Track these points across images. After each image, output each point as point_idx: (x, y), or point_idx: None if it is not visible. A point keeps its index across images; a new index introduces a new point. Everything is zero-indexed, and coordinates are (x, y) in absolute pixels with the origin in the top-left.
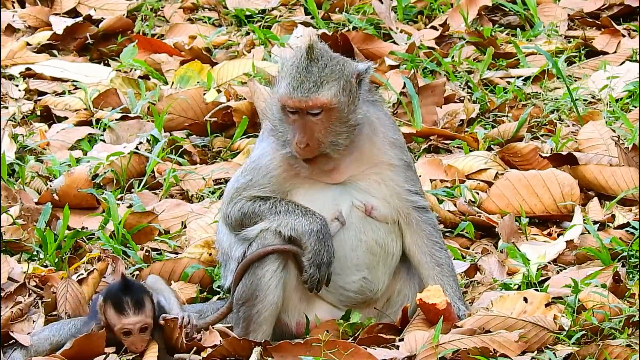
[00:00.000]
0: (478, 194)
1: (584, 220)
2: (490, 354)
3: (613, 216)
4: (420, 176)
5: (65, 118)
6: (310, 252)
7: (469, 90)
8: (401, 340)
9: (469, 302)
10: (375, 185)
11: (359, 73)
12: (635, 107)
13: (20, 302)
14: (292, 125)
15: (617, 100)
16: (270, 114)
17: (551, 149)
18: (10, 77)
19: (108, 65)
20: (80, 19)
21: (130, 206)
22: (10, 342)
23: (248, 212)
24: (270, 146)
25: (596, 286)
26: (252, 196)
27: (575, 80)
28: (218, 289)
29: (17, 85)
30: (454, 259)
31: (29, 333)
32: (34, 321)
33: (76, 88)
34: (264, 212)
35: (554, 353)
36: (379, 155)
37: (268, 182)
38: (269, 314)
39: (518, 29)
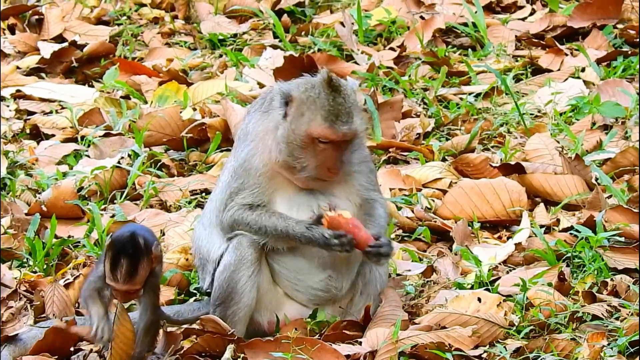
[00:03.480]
0: (434, 201)
1: (531, 224)
2: (446, 348)
3: (558, 220)
4: (380, 185)
5: (53, 135)
6: (320, 244)
7: (425, 106)
8: (364, 336)
9: (425, 300)
10: (337, 185)
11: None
12: (578, 119)
13: (12, 307)
14: (319, 155)
15: (561, 114)
16: (285, 143)
17: (501, 159)
18: (2, 99)
19: (92, 86)
20: (66, 44)
21: (113, 216)
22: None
23: (237, 220)
24: (256, 149)
25: (543, 285)
26: (242, 204)
27: (523, 96)
28: (195, 291)
29: (8, 106)
30: (412, 261)
31: (17, 335)
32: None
33: (62, 108)
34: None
35: (504, 347)
36: (354, 166)
37: (258, 181)
38: (243, 315)
39: (469, 49)
